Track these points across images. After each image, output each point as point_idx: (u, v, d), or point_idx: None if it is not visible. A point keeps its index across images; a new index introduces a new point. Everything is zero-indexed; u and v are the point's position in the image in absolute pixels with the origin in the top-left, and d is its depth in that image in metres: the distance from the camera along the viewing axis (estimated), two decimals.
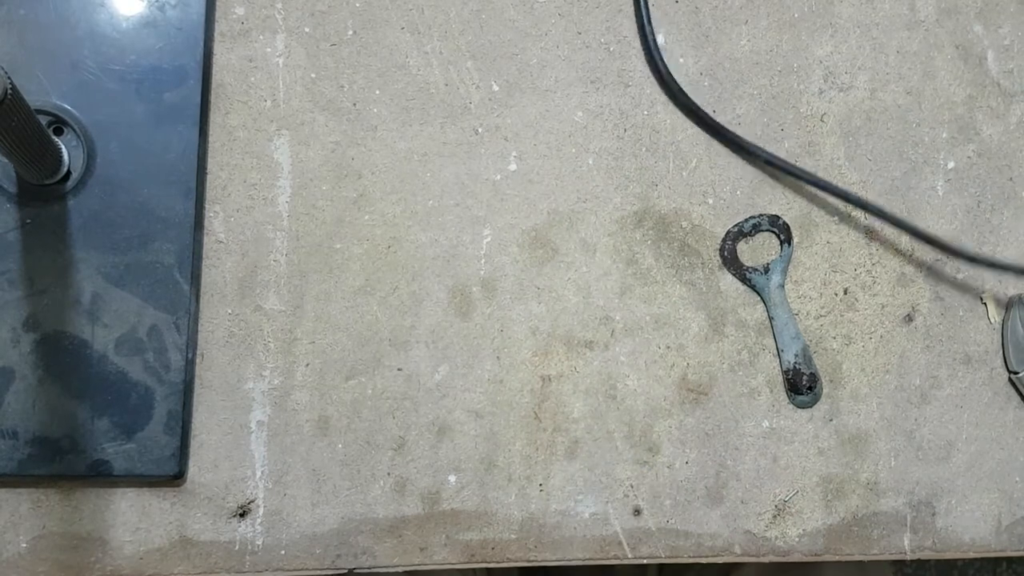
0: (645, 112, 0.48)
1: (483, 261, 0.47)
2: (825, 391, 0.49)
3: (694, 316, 0.48)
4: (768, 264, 0.48)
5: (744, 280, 0.48)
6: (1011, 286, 0.51)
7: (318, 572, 0.45)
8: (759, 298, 0.49)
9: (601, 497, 0.47)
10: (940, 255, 0.50)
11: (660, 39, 0.48)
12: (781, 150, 0.49)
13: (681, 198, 0.48)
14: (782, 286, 0.48)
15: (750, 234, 0.49)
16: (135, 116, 0.44)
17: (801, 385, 0.48)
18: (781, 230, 0.49)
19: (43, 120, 0.42)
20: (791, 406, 0.49)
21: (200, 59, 0.44)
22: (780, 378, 0.48)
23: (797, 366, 0.48)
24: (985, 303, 0.50)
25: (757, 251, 0.49)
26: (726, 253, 0.48)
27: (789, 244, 0.49)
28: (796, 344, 0.48)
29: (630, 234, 0.48)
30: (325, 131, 0.46)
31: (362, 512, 0.45)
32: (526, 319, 0.47)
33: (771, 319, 0.48)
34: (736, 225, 0.48)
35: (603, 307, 0.48)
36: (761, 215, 0.49)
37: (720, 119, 0.48)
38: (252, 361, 0.45)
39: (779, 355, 0.48)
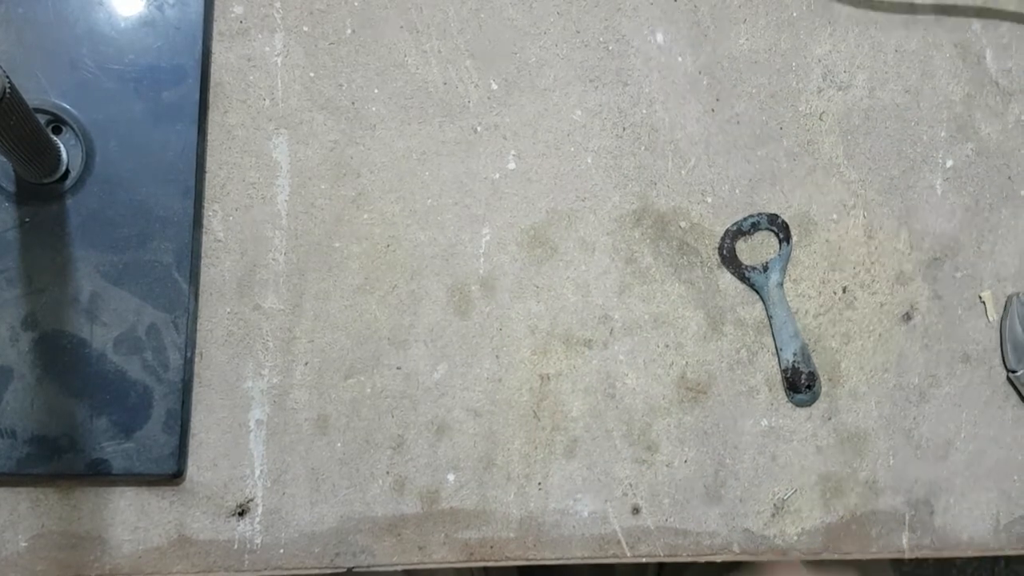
0: (644, 111, 0.48)
1: (482, 260, 0.47)
2: (824, 390, 0.49)
3: (693, 315, 0.48)
4: (767, 263, 0.48)
5: (743, 279, 0.48)
6: (1010, 285, 0.51)
7: (317, 571, 0.45)
8: (758, 297, 0.49)
9: (600, 496, 0.47)
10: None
11: (659, 38, 0.48)
12: (780, 148, 0.49)
13: (680, 197, 0.48)
14: (781, 285, 0.48)
15: (749, 233, 0.49)
16: (134, 115, 0.44)
17: (800, 384, 0.48)
18: (780, 229, 0.49)
19: (42, 119, 0.42)
20: (790, 405, 0.49)
21: (199, 58, 0.44)
22: (779, 377, 0.48)
23: (796, 364, 0.48)
24: (984, 302, 0.50)
25: (756, 250, 0.49)
26: (725, 252, 0.48)
27: (788, 243, 0.49)
28: (795, 343, 0.48)
29: (629, 233, 0.48)
30: (324, 130, 0.46)
31: (361, 511, 0.45)
32: (525, 318, 0.47)
33: (770, 318, 0.48)
34: (735, 224, 0.48)
35: (602, 306, 0.48)
36: (760, 214, 0.49)
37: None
38: (251, 360, 0.45)
39: (778, 354, 0.48)
